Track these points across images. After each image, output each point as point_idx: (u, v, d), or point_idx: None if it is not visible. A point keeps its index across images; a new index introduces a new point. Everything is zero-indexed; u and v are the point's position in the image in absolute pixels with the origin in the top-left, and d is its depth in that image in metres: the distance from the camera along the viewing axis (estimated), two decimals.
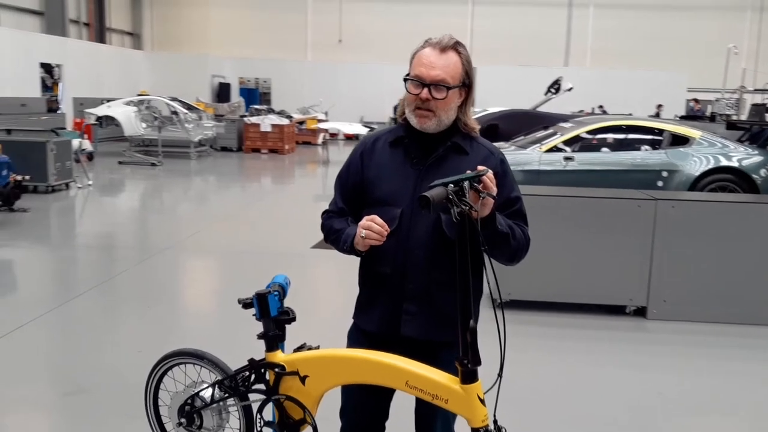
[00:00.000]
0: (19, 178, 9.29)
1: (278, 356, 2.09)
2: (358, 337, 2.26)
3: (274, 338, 2.10)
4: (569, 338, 5.14)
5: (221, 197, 12.56)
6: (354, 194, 2.24)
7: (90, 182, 12.15)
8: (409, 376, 1.87)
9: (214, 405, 2.13)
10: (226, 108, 22.57)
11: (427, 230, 2.12)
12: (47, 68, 21.18)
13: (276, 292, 2.13)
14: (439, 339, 2.14)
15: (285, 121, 19.12)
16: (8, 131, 11.40)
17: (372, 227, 2.01)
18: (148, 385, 2.26)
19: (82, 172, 12.20)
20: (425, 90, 2.07)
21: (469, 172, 1.92)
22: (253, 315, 2.10)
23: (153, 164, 15.30)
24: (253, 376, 2.09)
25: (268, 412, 2.12)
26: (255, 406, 2.11)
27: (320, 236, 2.32)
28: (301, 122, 21.56)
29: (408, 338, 2.15)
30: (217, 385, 2.13)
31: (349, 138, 22.23)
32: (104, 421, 3.58)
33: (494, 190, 1.91)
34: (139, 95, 20.73)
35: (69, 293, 5.94)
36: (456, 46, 2.13)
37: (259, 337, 2.11)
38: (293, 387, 2.04)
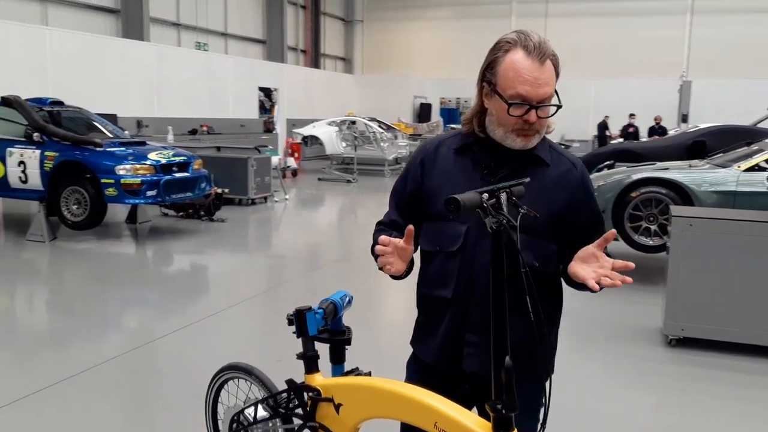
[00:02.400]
0: (219, 190, 10.13)
1: (316, 380, 1.93)
2: (416, 368, 2.02)
3: (312, 359, 1.95)
4: (751, 386, 4.37)
5: None
6: (411, 206, 1.98)
7: (287, 196, 12.93)
8: (439, 417, 1.61)
9: (260, 425, 2.03)
10: (424, 128, 23.00)
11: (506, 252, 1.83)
12: (266, 92, 23.11)
13: (321, 310, 1.97)
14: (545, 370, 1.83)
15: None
16: (218, 148, 12.52)
17: (383, 251, 1.79)
18: (206, 398, 2.23)
19: (280, 187, 13.02)
20: (533, 112, 1.76)
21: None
22: (293, 333, 1.97)
23: (348, 181, 15.95)
24: (293, 399, 1.96)
25: None
26: None
27: None
28: None
29: (471, 373, 1.87)
30: (259, 404, 2.03)
31: None
32: None
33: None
34: (346, 116, 21.82)
35: (239, 297, 6.27)
36: (552, 50, 1.81)
37: (298, 357, 1.97)
38: (328, 415, 1.87)
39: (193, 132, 17.63)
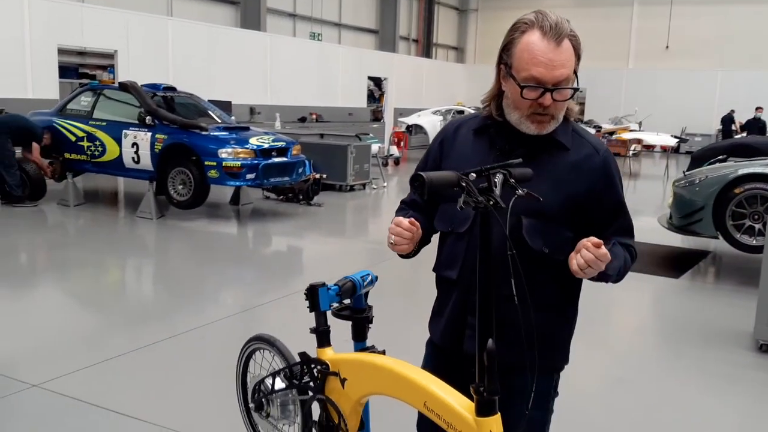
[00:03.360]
0: (317, 176, 10.39)
1: (326, 354, 1.97)
2: (430, 349, 2.03)
3: (323, 334, 2.00)
4: None
5: None
6: None
7: (385, 184, 13.07)
8: (428, 396, 1.61)
9: (279, 394, 2.10)
10: None
11: (504, 235, 1.79)
12: (376, 81, 23.40)
13: (335, 287, 2.01)
14: (506, 360, 1.78)
15: (590, 132, 18.35)
16: (321, 135, 12.83)
17: (402, 233, 1.79)
18: (237, 367, 2.32)
19: (380, 174, 13.18)
20: (548, 95, 1.72)
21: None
22: (307, 307, 2.03)
23: None
24: (306, 371, 2.01)
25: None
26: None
27: None
28: (612, 133, 20.47)
29: (471, 355, 1.85)
30: (276, 375, 2.10)
31: (665, 150, 20.45)
32: None
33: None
34: (453, 106, 21.71)
35: (330, 276, 6.43)
36: (571, 30, 1.75)
37: (311, 331, 2.02)
38: (335, 389, 1.91)
39: (303, 120, 18.16)
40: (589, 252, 1.62)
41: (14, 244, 7.58)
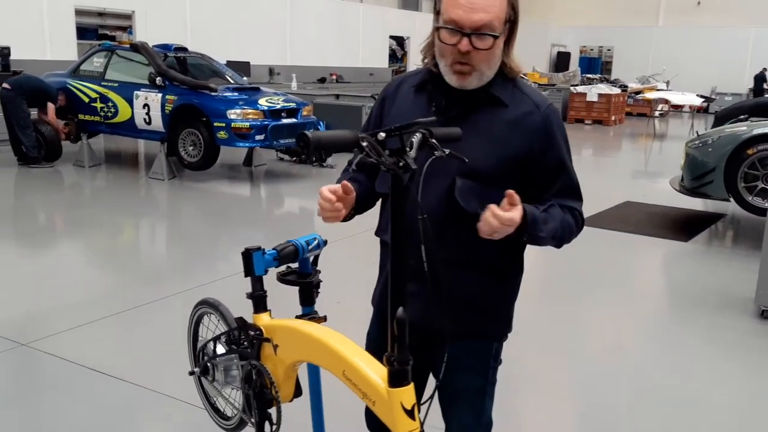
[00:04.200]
0: None
1: (262, 320, 1.94)
2: (374, 315, 1.99)
3: (259, 299, 1.96)
4: None
5: None
6: None
7: None
8: (346, 365, 1.57)
9: (221, 360, 2.08)
10: (560, 77, 22.00)
11: (438, 197, 1.71)
12: (399, 40, 23.05)
13: (273, 252, 1.97)
14: (444, 328, 1.72)
15: (615, 91, 17.90)
16: (337, 96, 12.71)
17: (322, 204, 1.70)
18: (188, 331, 2.31)
19: None
20: (465, 40, 1.62)
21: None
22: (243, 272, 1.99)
23: None
24: (243, 337, 1.98)
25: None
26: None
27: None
28: (638, 92, 19.97)
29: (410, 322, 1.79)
30: (216, 340, 2.08)
31: (693, 110, 19.90)
32: None
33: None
34: None
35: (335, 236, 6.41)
36: None
37: (247, 296, 1.99)
38: (269, 356, 1.88)
39: (322, 80, 17.99)
40: (492, 219, 1.55)
41: (30, 204, 7.71)
